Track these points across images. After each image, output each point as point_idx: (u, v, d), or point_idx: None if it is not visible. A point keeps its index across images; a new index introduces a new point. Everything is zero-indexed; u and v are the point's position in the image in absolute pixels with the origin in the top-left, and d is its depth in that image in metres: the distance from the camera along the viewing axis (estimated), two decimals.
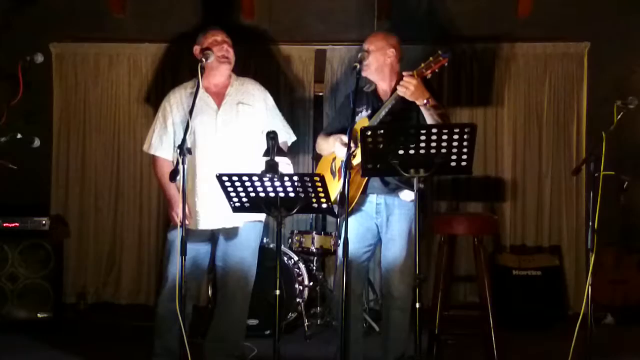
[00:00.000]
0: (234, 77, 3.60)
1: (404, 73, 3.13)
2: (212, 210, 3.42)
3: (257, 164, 3.34)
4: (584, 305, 3.39)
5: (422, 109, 3.14)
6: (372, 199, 3.35)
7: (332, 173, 3.45)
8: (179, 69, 5.36)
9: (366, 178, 3.21)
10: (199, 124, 3.41)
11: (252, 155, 3.48)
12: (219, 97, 3.51)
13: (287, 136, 3.67)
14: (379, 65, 3.33)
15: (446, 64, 3.07)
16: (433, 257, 4.76)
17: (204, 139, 3.42)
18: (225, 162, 3.37)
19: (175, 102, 3.54)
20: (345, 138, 3.16)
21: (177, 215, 3.26)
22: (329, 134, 3.51)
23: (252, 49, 5.29)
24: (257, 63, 5.30)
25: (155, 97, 5.41)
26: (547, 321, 4.78)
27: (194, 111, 3.22)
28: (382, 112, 3.21)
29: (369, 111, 3.35)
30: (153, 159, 3.60)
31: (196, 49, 3.51)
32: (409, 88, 3.07)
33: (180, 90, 3.57)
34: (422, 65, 3.09)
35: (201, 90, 3.46)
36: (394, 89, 3.19)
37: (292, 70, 5.41)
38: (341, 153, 3.28)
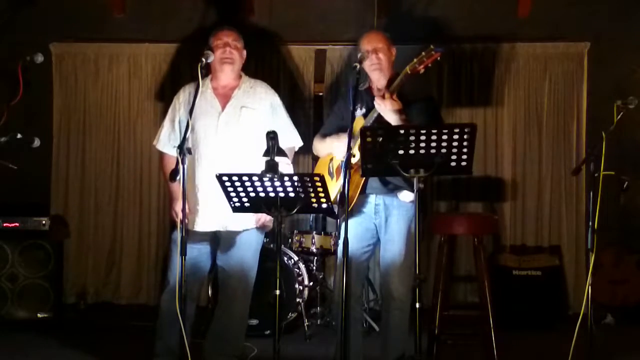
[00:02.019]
0: (245, 79, 3.60)
1: (384, 92, 3.14)
2: (210, 211, 3.42)
3: (259, 167, 3.33)
4: (584, 305, 3.39)
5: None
6: (371, 199, 3.35)
7: (330, 174, 3.44)
8: (179, 69, 5.37)
9: (364, 178, 3.21)
10: (201, 124, 3.42)
11: (252, 159, 3.46)
12: (225, 98, 3.52)
13: (293, 141, 3.62)
14: (388, 63, 3.36)
15: (439, 58, 3.06)
16: (433, 257, 4.76)
17: (205, 139, 3.43)
18: (224, 165, 3.37)
19: (184, 99, 3.57)
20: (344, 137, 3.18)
21: (176, 213, 3.36)
22: (325, 135, 3.51)
23: (252, 48, 5.21)
24: (257, 63, 5.30)
25: (155, 98, 5.43)
26: (547, 321, 4.78)
27: (198, 111, 3.26)
28: (374, 115, 3.21)
29: (364, 110, 3.34)
30: (160, 154, 3.65)
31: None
32: (380, 106, 3.11)
33: (190, 88, 3.58)
34: (415, 60, 3.08)
35: (209, 90, 3.51)
36: (388, 87, 3.20)
37: (292, 70, 5.41)
38: (341, 154, 3.28)
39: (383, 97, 3.10)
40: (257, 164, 3.35)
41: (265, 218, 3.48)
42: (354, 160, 3.13)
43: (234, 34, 3.56)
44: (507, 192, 5.35)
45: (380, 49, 3.33)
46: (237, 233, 3.46)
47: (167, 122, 3.61)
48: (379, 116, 3.19)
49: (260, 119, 3.52)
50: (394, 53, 3.42)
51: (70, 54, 5.47)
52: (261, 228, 3.54)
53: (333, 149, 3.38)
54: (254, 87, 3.60)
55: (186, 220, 3.07)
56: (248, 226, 3.46)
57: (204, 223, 3.44)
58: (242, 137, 3.47)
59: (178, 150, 2.98)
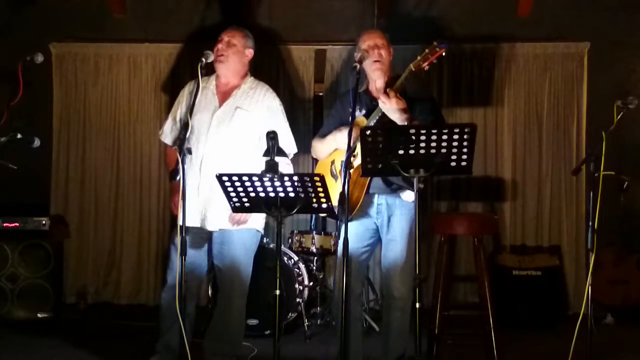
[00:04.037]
0: (248, 80, 3.60)
1: (387, 90, 3.13)
2: (191, 207, 3.38)
3: (248, 169, 3.33)
4: (584, 305, 3.39)
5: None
6: (374, 199, 3.34)
7: (334, 176, 3.43)
8: (179, 69, 5.37)
9: (369, 178, 3.20)
10: (198, 120, 3.44)
11: (242, 160, 3.46)
12: (224, 96, 3.53)
13: (287, 148, 3.53)
14: (388, 62, 3.35)
15: (444, 54, 3.05)
16: (433, 257, 4.76)
17: (198, 136, 3.44)
18: (212, 163, 3.40)
19: (188, 94, 3.60)
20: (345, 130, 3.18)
21: (175, 205, 3.41)
22: (324, 136, 3.50)
23: None
24: (257, 63, 5.26)
25: (155, 98, 5.43)
26: (547, 321, 4.78)
27: (199, 107, 3.27)
28: (377, 115, 3.20)
29: (364, 111, 3.33)
30: (164, 146, 3.75)
31: None
32: (385, 104, 3.10)
33: (195, 83, 3.58)
34: (419, 57, 3.07)
35: (212, 87, 3.55)
36: (386, 88, 3.19)
37: (292, 70, 5.41)
38: (345, 143, 3.26)
39: (388, 95, 3.09)
40: (247, 166, 3.36)
41: (241, 218, 3.43)
42: (356, 163, 3.12)
43: (233, 32, 3.57)
44: (507, 192, 5.35)
45: (382, 45, 3.33)
46: (228, 232, 3.46)
47: (170, 115, 3.68)
48: (382, 116, 3.19)
49: (254, 122, 3.50)
50: (391, 54, 3.42)
51: (70, 54, 5.47)
52: (239, 225, 3.49)
53: (337, 141, 3.35)
54: (255, 89, 3.59)
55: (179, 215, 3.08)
56: (223, 226, 3.45)
57: (190, 218, 3.41)
58: (232, 137, 3.47)
59: (178, 150, 2.99)
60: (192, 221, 3.42)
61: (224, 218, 3.41)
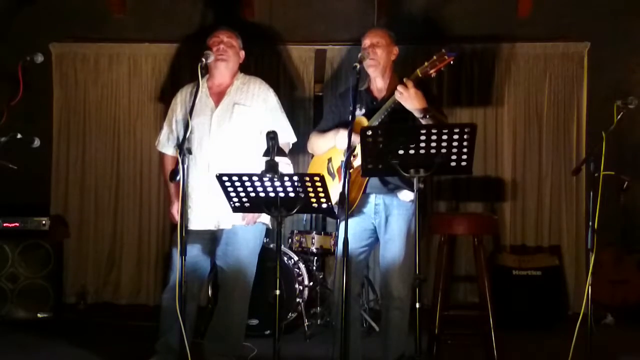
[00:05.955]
0: (239, 77, 3.61)
1: (405, 80, 3.12)
2: (203, 210, 3.42)
3: (253, 165, 3.34)
4: (584, 305, 3.39)
5: (421, 120, 3.12)
6: (371, 199, 3.34)
7: (331, 174, 3.42)
8: (179, 69, 5.38)
9: (366, 178, 3.20)
10: (197, 124, 3.43)
11: (247, 156, 3.47)
12: (219, 96, 3.53)
13: (286, 137, 3.62)
14: (386, 61, 3.33)
15: (452, 62, 3.04)
16: (433, 257, 4.76)
17: (200, 139, 3.45)
18: (219, 163, 3.39)
19: (181, 100, 3.61)
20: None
21: (173, 214, 3.45)
22: (323, 131, 3.50)
23: (252, 48, 5.26)
24: (257, 63, 5.30)
25: (155, 98, 5.43)
26: (547, 321, 4.78)
27: (195, 111, 3.26)
28: (383, 114, 3.19)
29: (363, 110, 3.33)
30: (161, 155, 3.70)
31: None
32: (402, 94, 3.07)
33: (187, 88, 3.62)
34: (426, 64, 3.06)
35: (204, 90, 3.55)
36: (393, 91, 3.18)
37: (292, 70, 5.41)
38: (344, 144, 3.25)
39: (405, 85, 3.06)
40: (252, 162, 3.38)
41: (252, 216, 3.46)
42: (356, 163, 3.12)
43: (230, 33, 3.59)
44: (507, 192, 5.36)
45: (377, 43, 3.30)
46: (233, 232, 3.46)
47: (165, 124, 3.67)
48: (389, 114, 3.18)
49: (253, 116, 3.52)
50: (396, 52, 3.39)
51: (70, 54, 5.47)
52: (253, 224, 3.51)
53: (337, 140, 3.34)
54: (248, 84, 3.60)
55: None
56: (236, 222, 3.46)
57: (197, 222, 3.44)
58: (235, 134, 3.47)
59: (178, 151, 2.99)
60: (203, 224, 3.44)
61: (237, 214, 3.39)
